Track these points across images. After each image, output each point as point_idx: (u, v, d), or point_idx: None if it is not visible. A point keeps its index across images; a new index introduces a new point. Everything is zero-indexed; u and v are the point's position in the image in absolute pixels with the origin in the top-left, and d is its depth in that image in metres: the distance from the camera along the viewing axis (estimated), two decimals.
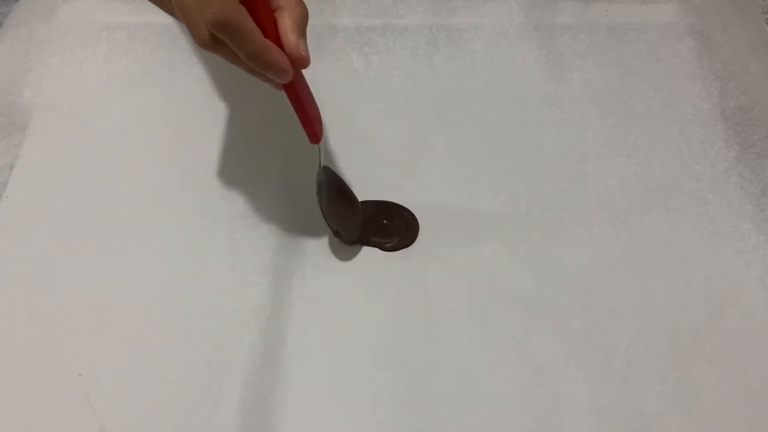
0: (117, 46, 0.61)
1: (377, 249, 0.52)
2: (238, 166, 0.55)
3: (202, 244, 0.52)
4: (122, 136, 0.57)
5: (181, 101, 0.59)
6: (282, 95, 0.43)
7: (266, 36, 0.38)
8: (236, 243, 0.52)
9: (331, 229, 0.50)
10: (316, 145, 0.47)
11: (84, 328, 0.48)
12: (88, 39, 0.62)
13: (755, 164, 0.55)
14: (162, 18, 0.63)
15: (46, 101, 0.59)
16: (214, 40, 0.38)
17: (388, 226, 0.52)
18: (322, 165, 0.49)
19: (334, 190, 0.50)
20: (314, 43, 0.61)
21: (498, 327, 0.48)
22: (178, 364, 0.47)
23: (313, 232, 0.52)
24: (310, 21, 0.63)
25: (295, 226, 0.52)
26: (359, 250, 0.52)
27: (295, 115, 0.44)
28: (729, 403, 0.45)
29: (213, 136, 0.57)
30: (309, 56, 0.40)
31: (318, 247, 0.52)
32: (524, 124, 0.58)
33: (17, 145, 0.56)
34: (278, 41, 0.39)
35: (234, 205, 0.53)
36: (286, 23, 0.39)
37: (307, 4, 0.62)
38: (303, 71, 0.43)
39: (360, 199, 0.53)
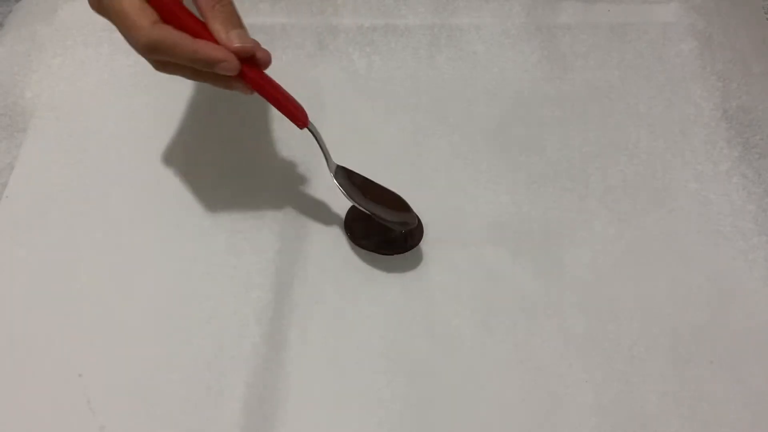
0: (118, 46, 0.61)
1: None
2: (240, 167, 0.55)
3: (204, 244, 0.51)
4: (123, 136, 0.57)
5: (183, 102, 0.58)
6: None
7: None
8: (238, 244, 0.51)
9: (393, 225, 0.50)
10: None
11: (84, 328, 0.48)
12: (89, 39, 0.62)
13: (757, 164, 0.55)
14: None
15: (47, 102, 0.59)
16: (161, 63, 0.41)
17: (392, 230, 0.52)
18: (334, 169, 0.49)
19: (360, 189, 0.50)
20: (316, 44, 0.62)
21: (500, 327, 0.48)
22: (180, 364, 0.47)
23: (315, 233, 0.52)
24: (310, 21, 0.64)
25: (297, 226, 0.52)
26: (361, 250, 0.52)
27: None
28: (731, 404, 0.45)
29: (214, 136, 0.57)
30: (249, 43, 0.41)
31: (320, 248, 0.52)
32: (526, 125, 0.58)
33: (18, 145, 0.56)
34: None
35: (236, 205, 0.53)
36: (214, 27, 0.41)
37: (308, 5, 0.63)
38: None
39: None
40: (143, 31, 0.39)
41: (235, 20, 0.41)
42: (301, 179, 0.55)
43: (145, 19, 0.39)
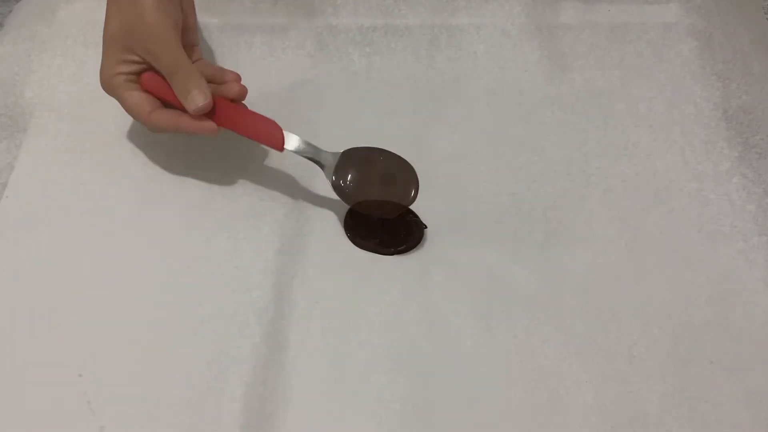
0: None
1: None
2: (240, 167, 0.55)
3: (204, 244, 0.51)
4: (122, 136, 0.57)
5: None
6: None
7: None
8: (238, 244, 0.51)
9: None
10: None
11: (84, 327, 0.48)
12: (89, 39, 0.62)
13: (757, 164, 0.55)
14: None
15: (47, 102, 0.59)
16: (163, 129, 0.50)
17: (392, 230, 0.52)
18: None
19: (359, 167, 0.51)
20: (316, 44, 0.62)
21: (500, 328, 0.48)
22: (180, 364, 0.47)
23: (315, 233, 0.52)
24: (310, 21, 0.64)
25: (297, 226, 0.52)
26: (361, 250, 0.52)
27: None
28: (731, 404, 0.45)
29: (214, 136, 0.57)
30: (201, 102, 0.48)
31: (320, 248, 0.52)
32: (526, 125, 0.58)
33: (18, 145, 0.56)
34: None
35: (236, 205, 0.53)
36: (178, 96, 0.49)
37: (308, 5, 0.63)
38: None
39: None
40: (143, 121, 0.50)
41: (188, 85, 0.48)
42: (301, 179, 0.55)
43: (142, 113, 0.49)
